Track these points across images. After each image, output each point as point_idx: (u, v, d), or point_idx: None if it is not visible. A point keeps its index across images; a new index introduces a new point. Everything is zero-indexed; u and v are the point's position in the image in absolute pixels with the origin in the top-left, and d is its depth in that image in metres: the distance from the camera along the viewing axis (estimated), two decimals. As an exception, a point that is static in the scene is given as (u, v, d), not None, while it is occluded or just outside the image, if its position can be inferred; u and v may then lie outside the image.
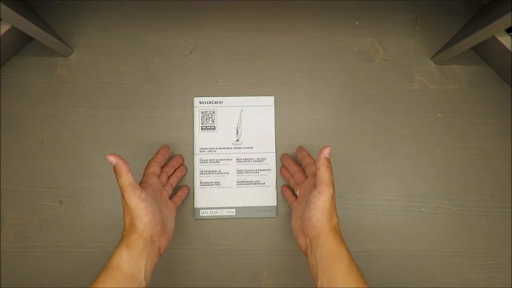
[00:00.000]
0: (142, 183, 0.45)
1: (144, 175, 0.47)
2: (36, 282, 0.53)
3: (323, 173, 0.41)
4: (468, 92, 0.58)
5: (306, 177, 0.49)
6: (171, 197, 0.51)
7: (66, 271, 0.53)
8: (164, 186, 0.49)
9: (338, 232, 0.41)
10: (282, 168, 0.55)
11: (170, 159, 0.54)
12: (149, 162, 0.49)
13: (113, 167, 0.40)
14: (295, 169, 0.51)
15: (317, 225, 0.40)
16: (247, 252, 0.54)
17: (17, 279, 0.53)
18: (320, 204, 0.40)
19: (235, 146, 0.56)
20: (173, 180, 0.52)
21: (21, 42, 0.56)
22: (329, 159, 0.41)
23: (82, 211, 0.54)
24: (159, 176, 0.49)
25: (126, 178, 0.40)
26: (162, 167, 0.51)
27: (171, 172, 0.52)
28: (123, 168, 0.40)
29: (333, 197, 0.41)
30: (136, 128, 0.56)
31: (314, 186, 0.42)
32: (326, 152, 0.41)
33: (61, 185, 0.55)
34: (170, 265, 0.53)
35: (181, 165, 0.55)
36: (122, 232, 0.41)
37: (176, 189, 0.53)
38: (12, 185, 0.54)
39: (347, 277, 0.38)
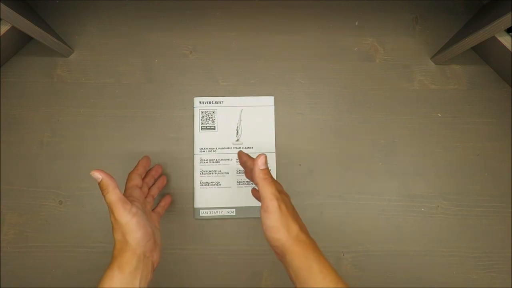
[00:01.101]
0: (127, 197, 0.42)
1: (126, 189, 0.45)
2: (36, 282, 0.53)
3: (262, 188, 0.37)
4: (468, 92, 0.58)
5: None
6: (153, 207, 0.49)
7: (66, 271, 0.53)
8: (145, 198, 0.47)
9: (303, 240, 0.37)
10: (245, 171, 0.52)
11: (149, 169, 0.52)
12: (130, 174, 0.47)
13: (99, 184, 0.38)
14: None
15: (276, 244, 0.37)
16: (247, 252, 0.54)
17: (17, 279, 0.53)
18: (269, 223, 0.37)
19: (235, 146, 0.56)
20: (154, 191, 0.50)
21: (21, 42, 0.56)
22: (266, 169, 0.38)
23: (82, 211, 0.54)
24: (140, 188, 0.47)
25: (114, 194, 0.37)
26: (143, 178, 0.49)
27: (152, 183, 0.51)
28: (109, 184, 0.37)
29: (282, 207, 0.37)
30: (136, 128, 0.56)
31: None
32: (260, 163, 0.38)
33: (61, 185, 0.55)
34: (170, 265, 0.53)
35: (161, 175, 0.53)
36: (113, 252, 0.38)
37: (157, 199, 0.51)
38: (12, 185, 0.54)
39: None
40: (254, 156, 0.55)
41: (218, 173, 0.55)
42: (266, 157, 0.39)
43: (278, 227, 0.37)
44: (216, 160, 0.55)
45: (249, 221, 0.55)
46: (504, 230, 0.55)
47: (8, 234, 0.53)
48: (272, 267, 0.54)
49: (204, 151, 0.56)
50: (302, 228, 0.38)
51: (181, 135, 0.56)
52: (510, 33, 0.51)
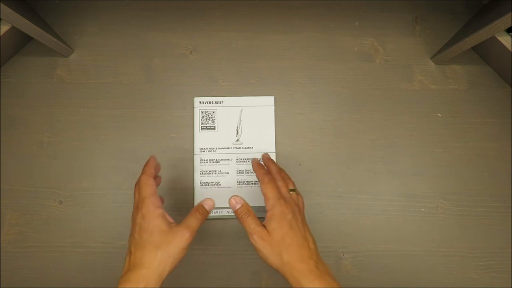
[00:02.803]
0: (158, 208, 0.39)
1: (147, 197, 0.39)
2: (36, 282, 0.53)
3: (243, 226, 0.40)
4: (468, 92, 0.58)
5: None
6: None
7: (66, 271, 0.53)
8: None
9: (294, 268, 0.37)
10: None
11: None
12: (147, 179, 0.40)
13: (204, 209, 0.40)
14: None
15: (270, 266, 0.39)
16: (247, 252, 0.54)
17: (17, 279, 0.53)
18: (257, 252, 0.40)
19: (235, 146, 0.56)
20: None
21: (21, 42, 0.56)
22: (239, 209, 0.41)
23: (82, 211, 0.54)
24: None
25: (199, 223, 0.39)
26: None
27: None
28: (205, 216, 0.40)
29: (259, 244, 0.39)
30: (136, 128, 0.56)
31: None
32: (231, 205, 0.42)
33: (61, 185, 0.55)
34: (170, 265, 0.53)
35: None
36: (129, 271, 0.36)
37: None
38: (12, 185, 0.54)
39: None
40: (254, 156, 0.55)
41: (218, 173, 0.55)
42: (237, 197, 0.41)
43: (266, 257, 0.38)
44: (216, 160, 0.55)
45: (249, 221, 0.55)
46: (504, 230, 0.55)
47: (8, 234, 0.53)
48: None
49: (204, 151, 0.56)
50: (291, 254, 0.37)
51: (181, 135, 0.56)
52: (510, 33, 0.51)
